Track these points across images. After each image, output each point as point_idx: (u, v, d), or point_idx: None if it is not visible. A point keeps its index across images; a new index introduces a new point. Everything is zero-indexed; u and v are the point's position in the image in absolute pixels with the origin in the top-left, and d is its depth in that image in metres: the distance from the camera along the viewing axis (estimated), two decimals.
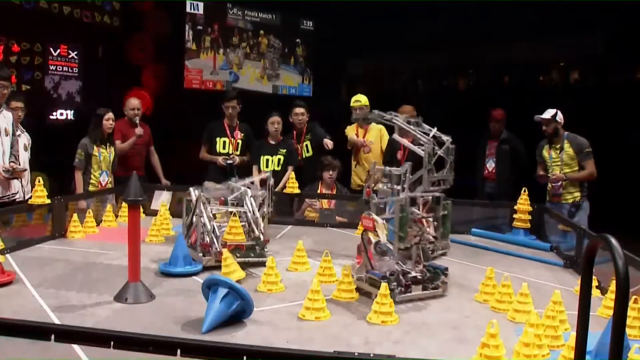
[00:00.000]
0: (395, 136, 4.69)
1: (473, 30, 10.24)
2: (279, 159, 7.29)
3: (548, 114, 6.71)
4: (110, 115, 6.79)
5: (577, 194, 6.67)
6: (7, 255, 4.68)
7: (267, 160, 7.31)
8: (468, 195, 7.85)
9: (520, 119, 8.14)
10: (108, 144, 6.85)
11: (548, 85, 11.57)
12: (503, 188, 7.71)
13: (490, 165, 7.87)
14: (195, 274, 4.46)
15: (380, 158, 7.41)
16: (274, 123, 7.36)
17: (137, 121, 7.39)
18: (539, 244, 5.82)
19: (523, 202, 5.99)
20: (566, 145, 6.70)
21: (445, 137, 4.57)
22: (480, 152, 8.03)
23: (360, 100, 7.37)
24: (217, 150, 7.46)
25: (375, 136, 7.48)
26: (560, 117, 6.72)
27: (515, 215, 6.03)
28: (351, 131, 7.55)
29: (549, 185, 6.78)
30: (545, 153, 6.89)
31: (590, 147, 6.67)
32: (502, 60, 11.53)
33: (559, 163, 6.72)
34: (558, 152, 6.74)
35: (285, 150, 7.32)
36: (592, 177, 6.70)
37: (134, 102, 7.54)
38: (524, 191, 6.00)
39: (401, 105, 7.34)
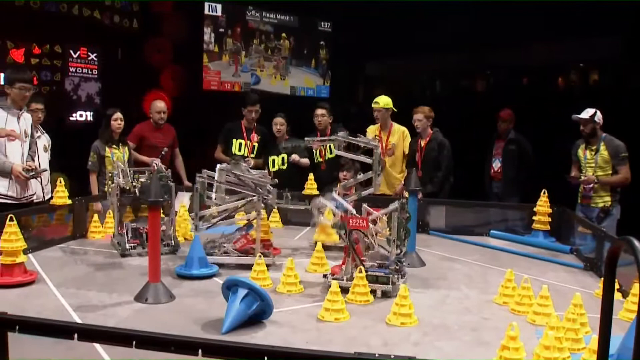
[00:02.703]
0: (337, 152, 4.92)
1: (492, 32, 10.19)
2: (283, 158, 7.33)
3: (586, 113, 6.49)
4: (118, 115, 6.79)
5: (608, 199, 6.44)
6: (30, 255, 4.74)
7: (274, 160, 7.34)
8: (482, 196, 7.86)
9: (539, 120, 8.11)
10: (120, 144, 6.86)
11: (567, 87, 11.48)
12: (509, 188, 7.69)
13: (497, 164, 7.84)
14: (210, 276, 4.47)
15: (401, 161, 7.38)
16: (277, 124, 7.40)
17: (162, 124, 7.35)
18: (558, 246, 5.78)
19: (542, 204, 5.95)
20: (602, 148, 6.47)
21: (373, 143, 4.80)
22: (488, 152, 8.01)
23: (378, 102, 7.33)
24: (233, 152, 7.43)
25: (397, 139, 7.40)
26: (599, 117, 6.49)
27: (534, 217, 6.00)
28: (372, 132, 7.51)
29: (581, 186, 6.68)
30: (580, 153, 6.69)
31: (627, 151, 6.44)
32: (520, 62, 11.46)
33: (593, 165, 6.51)
34: (593, 153, 6.53)
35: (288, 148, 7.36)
36: (625, 182, 6.47)
37: (159, 105, 7.47)
38: (544, 193, 5.96)
39: (418, 106, 7.32)
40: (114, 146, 6.80)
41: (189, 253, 4.54)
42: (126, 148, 6.93)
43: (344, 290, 3.90)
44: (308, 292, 4.15)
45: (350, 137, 4.82)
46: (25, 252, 4.31)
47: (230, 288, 3.47)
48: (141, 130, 7.37)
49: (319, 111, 7.47)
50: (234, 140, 7.50)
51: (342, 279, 4.13)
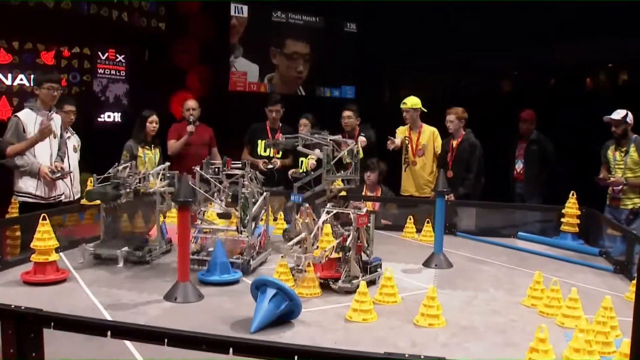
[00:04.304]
0: (300, 148, 5.00)
1: (518, 32, 10.10)
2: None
3: (618, 114, 6.43)
4: (154, 117, 6.89)
5: (637, 201, 6.40)
6: (61, 254, 4.82)
7: (302, 162, 7.37)
8: (507, 197, 7.81)
9: (567, 121, 8.01)
10: (152, 145, 6.96)
11: (595, 88, 11.32)
12: (531, 188, 7.64)
13: (519, 166, 7.80)
14: (232, 283, 4.34)
15: (432, 161, 7.38)
16: (301, 125, 7.42)
17: (192, 120, 7.41)
18: (587, 248, 5.73)
19: (571, 206, 5.89)
20: (632, 149, 6.43)
21: (350, 142, 4.90)
22: (510, 153, 7.97)
23: (406, 102, 7.35)
24: (258, 153, 7.48)
25: (427, 139, 7.39)
26: (630, 118, 6.43)
27: (563, 219, 5.95)
28: (401, 133, 7.50)
29: (610, 188, 6.61)
30: (609, 154, 6.64)
31: None
32: (547, 63, 11.33)
33: (623, 166, 6.47)
34: (623, 154, 6.49)
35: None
36: None
37: (189, 103, 7.61)
38: (572, 194, 5.90)
39: (450, 107, 7.30)
40: (147, 147, 6.90)
41: (212, 259, 4.42)
42: (158, 150, 7.02)
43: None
44: (336, 293, 4.14)
45: (314, 136, 4.87)
46: (57, 250, 4.38)
47: (259, 288, 3.50)
48: (177, 129, 7.52)
49: (346, 113, 7.47)
50: (259, 141, 7.54)
51: (349, 284, 4.14)
